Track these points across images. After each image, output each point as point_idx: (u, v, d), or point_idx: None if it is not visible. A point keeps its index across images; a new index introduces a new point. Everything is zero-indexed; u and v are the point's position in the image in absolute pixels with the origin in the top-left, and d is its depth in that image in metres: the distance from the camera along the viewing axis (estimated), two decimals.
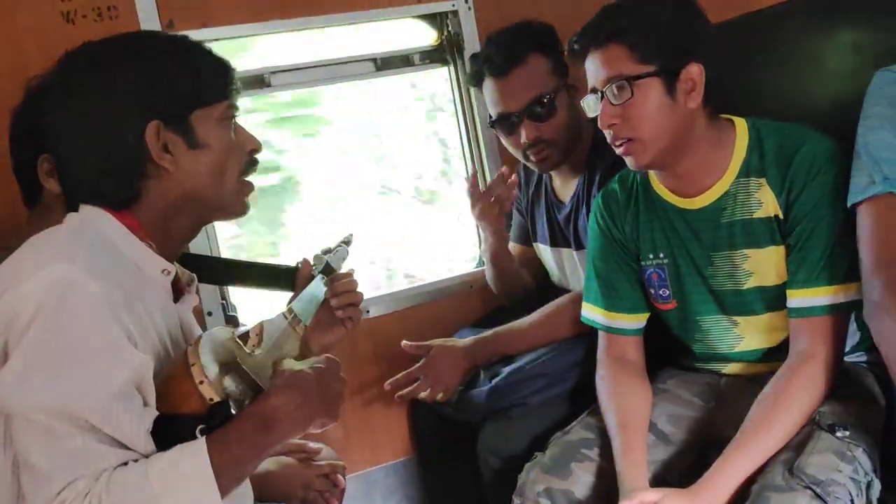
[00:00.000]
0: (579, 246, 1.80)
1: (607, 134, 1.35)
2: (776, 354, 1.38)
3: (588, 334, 1.60)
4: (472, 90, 2.09)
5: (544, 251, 1.96)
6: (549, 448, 1.42)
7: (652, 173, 1.45)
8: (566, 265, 1.89)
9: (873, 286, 1.15)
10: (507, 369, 1.70)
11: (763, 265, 1.36)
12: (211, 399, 0.94)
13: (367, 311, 2.02)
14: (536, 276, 2.00)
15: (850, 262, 1.22)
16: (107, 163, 1.02)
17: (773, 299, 1.37)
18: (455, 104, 2.19)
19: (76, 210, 1.04)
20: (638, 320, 1.52)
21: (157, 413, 0.93)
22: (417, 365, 1.73)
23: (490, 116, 1.78)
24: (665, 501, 1.20)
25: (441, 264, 2.38)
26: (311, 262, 1.31)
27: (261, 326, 1.07)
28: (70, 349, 0.88)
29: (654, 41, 1.28)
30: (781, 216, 1.32)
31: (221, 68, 1.08)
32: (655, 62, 1.28)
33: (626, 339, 1.51)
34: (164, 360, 1.01)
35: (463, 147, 2.21)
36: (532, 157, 1.75)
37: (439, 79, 2.22)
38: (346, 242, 1.32)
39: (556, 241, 1.89)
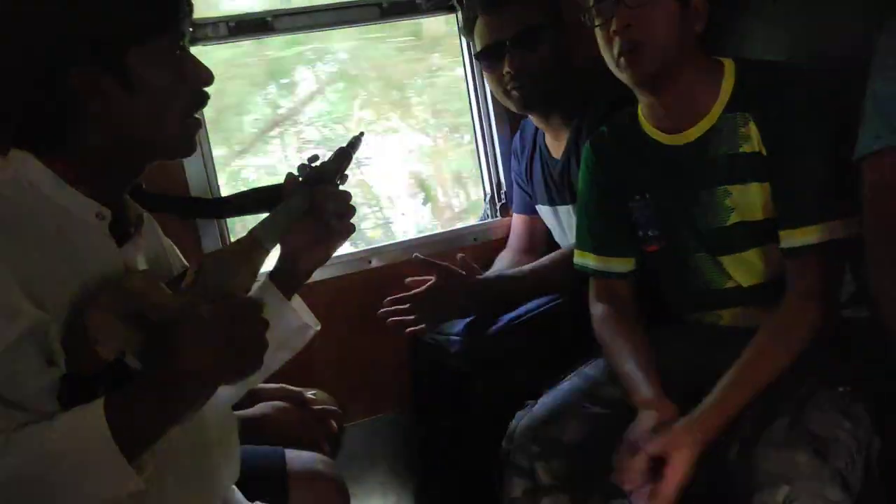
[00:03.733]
0: (575, 200, 1.76)
1: (613, 47, 1.33)
2: (766, 296, 1.38)
3: (586, 285, 1.59)
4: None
5: (545, 212, 1.96)
6: (541, 397, 1.43)
7: (641, 113, 1.45)
8: (564, 222, 1.89)
9: (876, 242, 1.12)
10: (507, 317, 1.70)
11: (746, 201, 1.35)
12: (106, 358, 0.86)
13: (370, 262, 2.02)
14: (549, 243, 2.00)
15: (840, 198, 1.21)
16: (31, 108, 0.92)
17: (757, 235, 1.37)
18: (462, 52, 2.15)
19: (4, 154, 0.94)
20: (629, 264, 1.52)
21: (62, 372, 0.86)
22: (417, 290, 1.71)
23: (477, 50, 1.77)
24: (671, 436, 1.20)
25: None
26: (297, 174, 1.15)
27: (200, 263, 0.96)
28: None
29: None
30: (765, 152, 1.32)
31: None
32: None
33: (619, 283, 1.52)
34: None
35: (469, 94, 2.17)
36: (513, 91, 1.73)
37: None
38: (352, 146, 1.17)
39: (553, 199, 1.89)
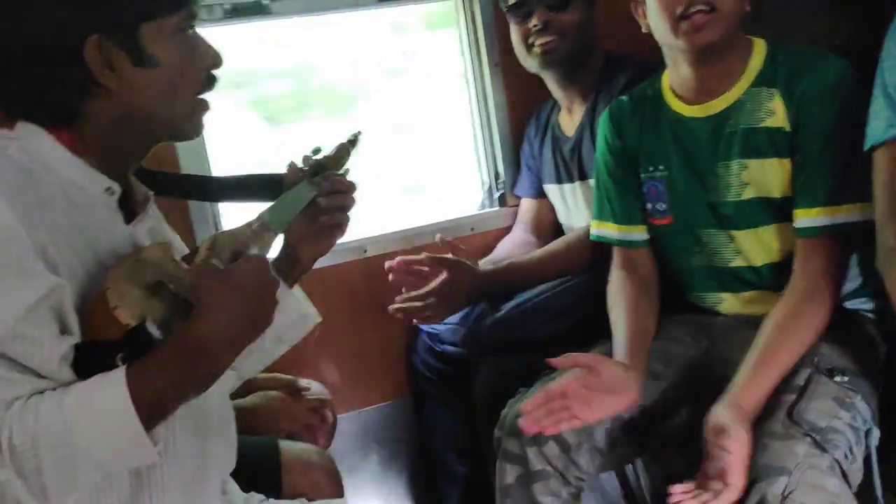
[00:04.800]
0: (583, 176, 1.82)
1: (674, 8, 1.30)
2: (769, 279, 1.39)
3: (597, 269, 1.61)
4: (482, 26, 2.05)
5: (552, 191, 1.96)
6: (535, 385, 1.42)
7: (666, 84, 1.47)
8: (569, 200, 1.90)
9: (888, 232, 1.11)
10: (511, 303, 1.71)
11: (762, 176, 1.35)
12: (127, 324, 0.86)
13: (365, 251, 2.00)
14: (555, 229, 2.00)
15: (859, 182, 1.21)
16: (42, 81, 0.92)
17: (772, 211, 1.37)
18: (461, 39, 2.13)
19: (12, 127, 0.95)
20: (646, 231, 1.53)
21: (76, 340, 0.87)
22: (431, 286, 1.70)
23: (506, 5, 1.80)
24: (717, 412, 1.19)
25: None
26: (301, 165, 1.17)
27: (212, 240, 0.97)
28: None
29: None
30: (789, 129, 1.32)
31: None
32: None
33: (639, 251, 1.54)
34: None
35: (468, 85, 2.15)
36: (537, 46, 1.76)
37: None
38: (351, 142, 1.19)
39: (561, 176, 1.90)
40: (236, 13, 1.88)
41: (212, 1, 1.86)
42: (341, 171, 1.17)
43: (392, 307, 1.73)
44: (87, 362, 0.86)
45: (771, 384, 1.22)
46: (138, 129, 0.97)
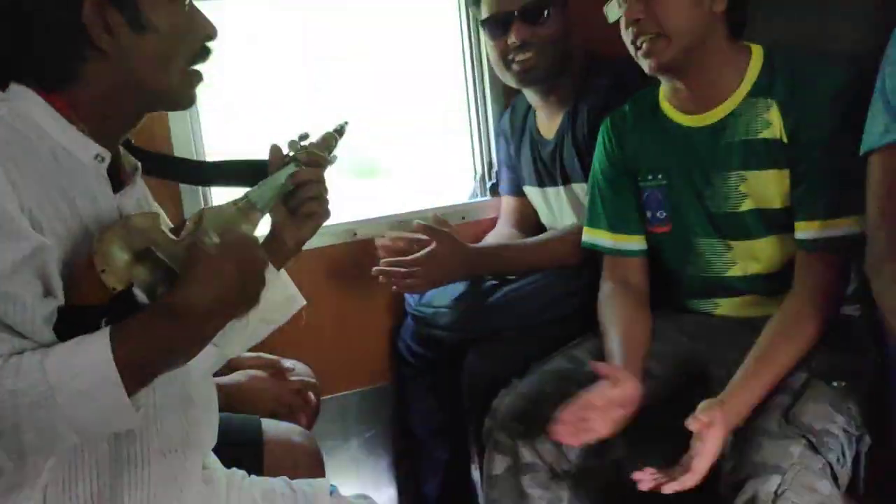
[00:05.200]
0: (566, 181, 1.79)
1: (628, 34, 1.34)
2: (766, 286, 1.39)
3: (590, 262, 1.60)
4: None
5: (533, 193, 1.94)
6: (526, 375, 1.43)
7: (662, 93, 1.45)
8: (553, 204, 1.88)
9: (877, 239, 1.12)
10: (505, 289, 1.70)
11: (761, 187, 1.35)
12: (114, 288, 0.86)
13: (355, 234, 1.99)
14: (538, 226, 1.98)
15: (859, 194, 1.20)
16: (39, 41, 0.91)
17: (770, 222, 1.37)
18: (460, 27, 2.11)
19: (4, 89, 0.94)
20: (642, 241, 1.53)
21: (59, 303, 0.86)
22: (419, 254, 1.67)
23: (483, 17, 1.75)
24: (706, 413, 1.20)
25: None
26: (287, 149, 1.17)
27: (199, 214, 0.98)
28: None
29: None
30: (787, 140, 1.32)
31: None
32: None
33: (631, 261, 1.53)
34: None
35: (465, 73, 2.14)
36: (516, 63, 1.72)
37: None
38: (338, 131, 1.20)
39: (542, 180, 1.88)
40: None
41: None
42: (329, 155, 1.17)
43: (376, 269, 1.71)
44: (71, 326, 0.85)
45: (762, 392, 1.23)
46: (132, 96, 0.97)
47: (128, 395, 0.83)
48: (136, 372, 0.84)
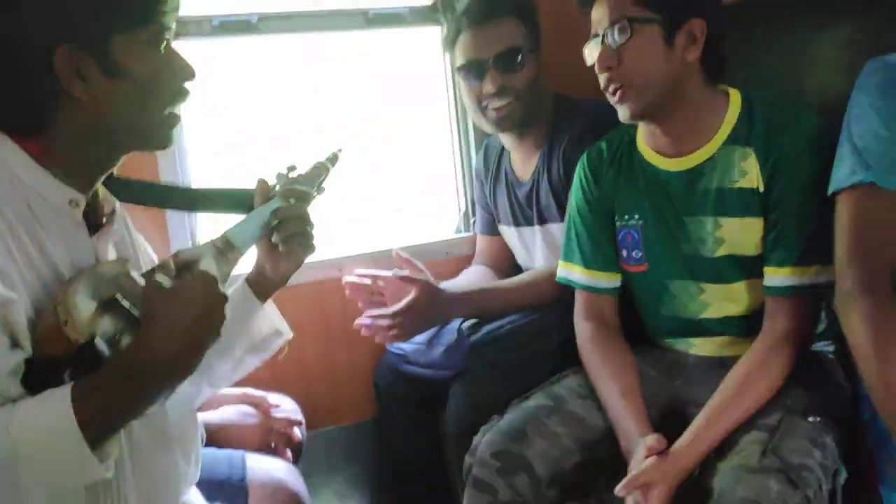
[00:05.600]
0: (542, 221, 1.82)
1: (602, 78, 1.36)
2: (740, 327, 1.40)
3: (562, 302, 1.61)
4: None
5: (508, 233, 1.96)
6: (506, 413, 1.43)
7: (640, 133, 1.47)
8: (529, 243, 1.90)
9: (845, 276, 1.15)
10: (486, 328, 1.71)
11: (736, 234, 1.36)
12: (76, 341, 0.85)
13: (340, 270, 2.00)
14: (513, 264, 2.00)
15: (832, 243, 1.22)
16: (10, 89, 0.90)
17: (743, 269, 1.38)
18: (445, 66, 2.15)
19: None
20: (616, 279, 1.53)
21: (27, 355, 0.85)
22: (401, 305, 1.69)
23: (458, 65, 1.78)
24: (648, 467, 1.22)
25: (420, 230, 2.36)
26: (274, 182, 1.15)
27: (173, 257, 0.97)
28: None
29: None
30: (763, 189, 1.33)
31: None
32: (659, 10, 1.31)
33: (605, 299, 1.53)
34: None
35: (450, 111, 2.18)
36: (492, 110, 1.75)
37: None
38: (330, 160, 1.18)
39: (518, 220, 1.90)
40: (224, 29, 1.90)
41: (200, 16, 1.88)
42: (316, 191, 1.17)
43: (358, 321, 1.73)
44: (38, 378, 0.84)
45: (718, 438, 1.25)
46: (107, 140, 0.96)
47: (94, 447, 0.82)
48: (100, 426, 0.83)
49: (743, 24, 1.64)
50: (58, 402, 0.81)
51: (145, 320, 0.87)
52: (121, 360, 0.86)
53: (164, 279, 0.90)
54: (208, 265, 0.98)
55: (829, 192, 1.20)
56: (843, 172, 1.18)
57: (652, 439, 1.26)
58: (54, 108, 0.92)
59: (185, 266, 0.96)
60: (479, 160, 2.03)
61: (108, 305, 0.88)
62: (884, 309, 1.10)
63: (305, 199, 1.14)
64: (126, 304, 0.89)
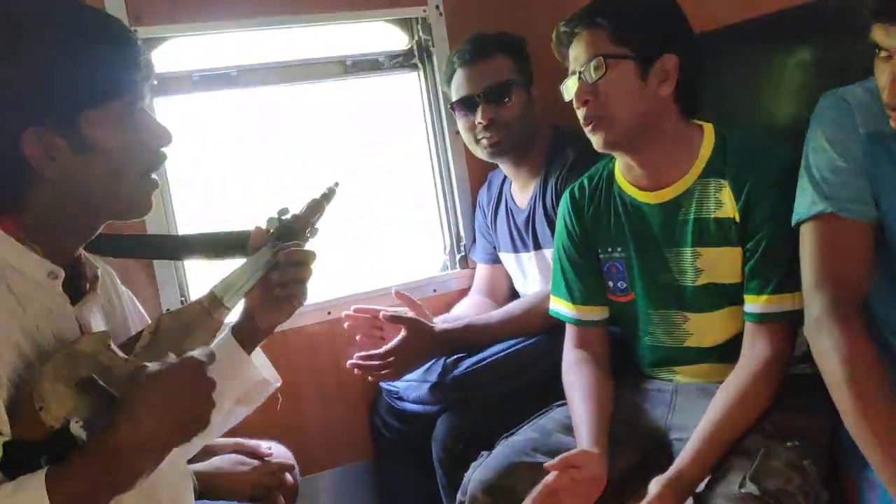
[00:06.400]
0: (538, 246, 1.90)
1: (580, 113, 1.40)
2: (722, 354, 1.43)
3: (553, 330, 1.65)
4: (442, 97, 2.12)
5: (508, 259, 2.04)
6: (495, 448, 1.44)
7: (618, 168, 1.51)
8: (526, 268, 1.97)
9: (813, 304, 1.18)
10: (469, 360, 1.75)
11: (715, 264, 1.40)
12: (51, 426, 0.84)
13: (329, 313, 2.03)
14: (511, 293, 2.07)
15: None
16: None
17: (724, 297, 1.41)
18: (423, 110, 2.21)
19: None
20: (604, 312, 1.57)
21: (5, 439, 0.84)
22: (391, 345, 1.74)
23: (453, 101, 1.90)
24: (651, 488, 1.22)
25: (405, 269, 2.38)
26: (265, 226, 1.14)
27: (156, 323, 0.96)
28: None
29: (634, 28, 1.37)
30: (738, 219, 1.36)
31: (118, 58, 0.92)
32: (633, 47, 1.36)
33: (593, 331, 1.56)
34: None
35: (430, 153, 2.22)
36: (484, 140, 1.86)
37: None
38: (325, 196, 1.16)
39: (516, 246, 1.98)
40: (205, 84, 1.94)
41: (181, 72, 1.92)
42: (310, 229, 1.16)
43: (351, 362, 1.77)
44: (17, 462, 0.83)
45: (714, 460, 1.26)
46: (84, 213, 0.96)
47: None
48: None
49: (714, 54, 1.66)
50: (34, 489, 0.81)
51: (125, 407, 0.85)
52: (95, 446, 0.85)
53: (147, 375, 0.87)
54: (199, 340, 0.98)
55: (793, 222, 1.23)
56: (805, 203, 1.21)
57: (576, 452, 1.28)
58: (27, 186, 0.91)
59: (173, 340, 0.94)
60: (482, 193, 2.13)
61: (84, 385, 0.87)
62: (852, 335, 1.12)
63: (299, 244, 1.13)
64: (104, 384, 0.87)
